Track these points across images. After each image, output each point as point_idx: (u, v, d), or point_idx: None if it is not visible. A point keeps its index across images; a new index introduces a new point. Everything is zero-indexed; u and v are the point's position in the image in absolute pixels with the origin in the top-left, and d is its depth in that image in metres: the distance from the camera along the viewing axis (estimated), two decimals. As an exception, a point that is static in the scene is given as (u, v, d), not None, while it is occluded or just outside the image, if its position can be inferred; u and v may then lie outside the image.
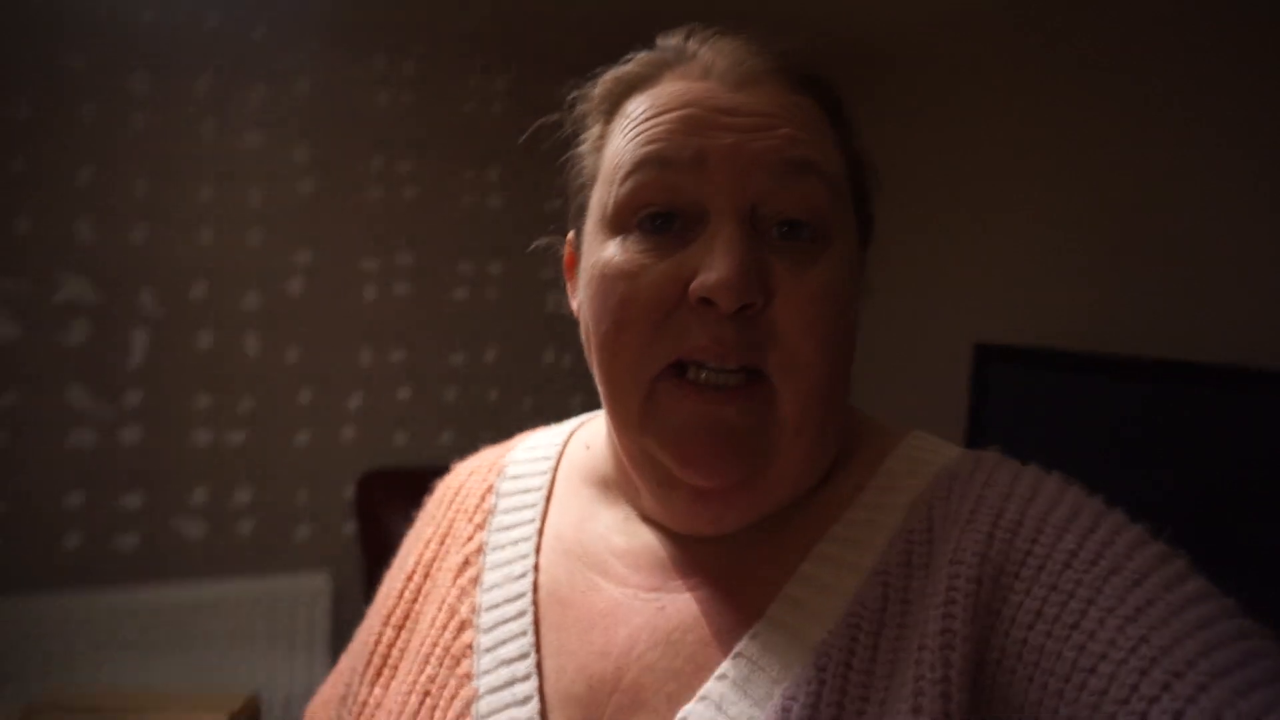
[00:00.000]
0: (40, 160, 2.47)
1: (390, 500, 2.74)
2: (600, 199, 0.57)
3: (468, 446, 2.85)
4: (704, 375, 0.51)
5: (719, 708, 0.49)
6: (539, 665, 0.56)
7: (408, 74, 2.92)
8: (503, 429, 3.01)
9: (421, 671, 0.59)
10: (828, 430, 0.56)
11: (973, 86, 2.63)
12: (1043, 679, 0.43)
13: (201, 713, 1.92)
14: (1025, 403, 2.20)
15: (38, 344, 2.50)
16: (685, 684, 0.51)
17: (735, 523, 0.56)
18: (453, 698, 0.56)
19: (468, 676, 0.57)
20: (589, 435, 0.70)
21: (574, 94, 0.63)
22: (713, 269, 0.50)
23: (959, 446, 0.59)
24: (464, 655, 0.58)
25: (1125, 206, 2.20)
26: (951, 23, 2.57)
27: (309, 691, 2.75)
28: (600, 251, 0.55)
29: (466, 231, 3.04)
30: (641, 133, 0.54)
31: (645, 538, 0.60)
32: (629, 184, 0.54)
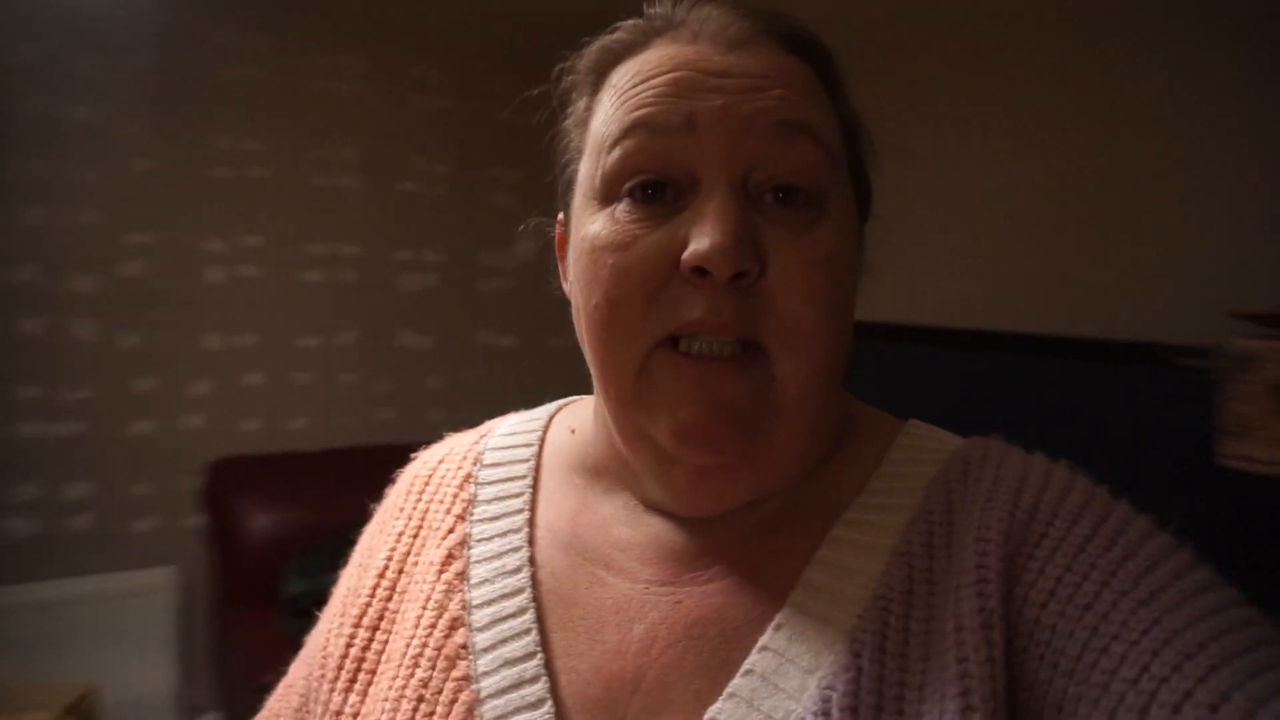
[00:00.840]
0: None
1: (242, 489, 2.67)
2: (588, 171, 0.55)
3: (322, 431, 2.79)
4: (697, 346, 0.49)
5: (750, 704, 0.47)
6: (548, 665, 0.53)
7: (257, 48, 2.82)
8: (358, 413, 2.95)
9: (411, 675, 0.55)
10: (828, 404, 0.55)
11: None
12: (1054, 658, 0.43)
13: (36, 708, 1.84)
14: (883, 377, 2.33)
15: None
16: (712, 680, 0.49)
17: (739, 499, 0.55)
18: (451, 702, 0.52)
19: (465, 679, 0.53)
20: (572, 419, 0.67)
21: (560, 66, 0.59)
22: (704, 237, 0.48)
23: (958, 436, 0.58)
24: (459, 656, 0.54)
25: (979, 184, 2.38)
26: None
27: (156, 689, 2.66)
28: (589, 225, 0.53)
29: (318, 212, 2.97)
30: (629, 99, 0.52)
31: (651, 528, 0.57)
32: (617, 151, 0.52)
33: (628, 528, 0.58)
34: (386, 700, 0.54)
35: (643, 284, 0.50)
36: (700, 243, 0.48)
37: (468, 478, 0.64)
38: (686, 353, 0.49)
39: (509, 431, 0.68)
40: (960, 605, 0.46)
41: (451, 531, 0.61)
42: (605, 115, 0.54)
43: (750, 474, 0.53)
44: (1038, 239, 2.26)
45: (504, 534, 0.60)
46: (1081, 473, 0.53)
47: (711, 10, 0.55)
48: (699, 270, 0.48)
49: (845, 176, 0.55)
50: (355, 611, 0.61)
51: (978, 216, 2.38)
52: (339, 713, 0.57)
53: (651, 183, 0.51)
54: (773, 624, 0.50)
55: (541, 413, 0.69)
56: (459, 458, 0.66)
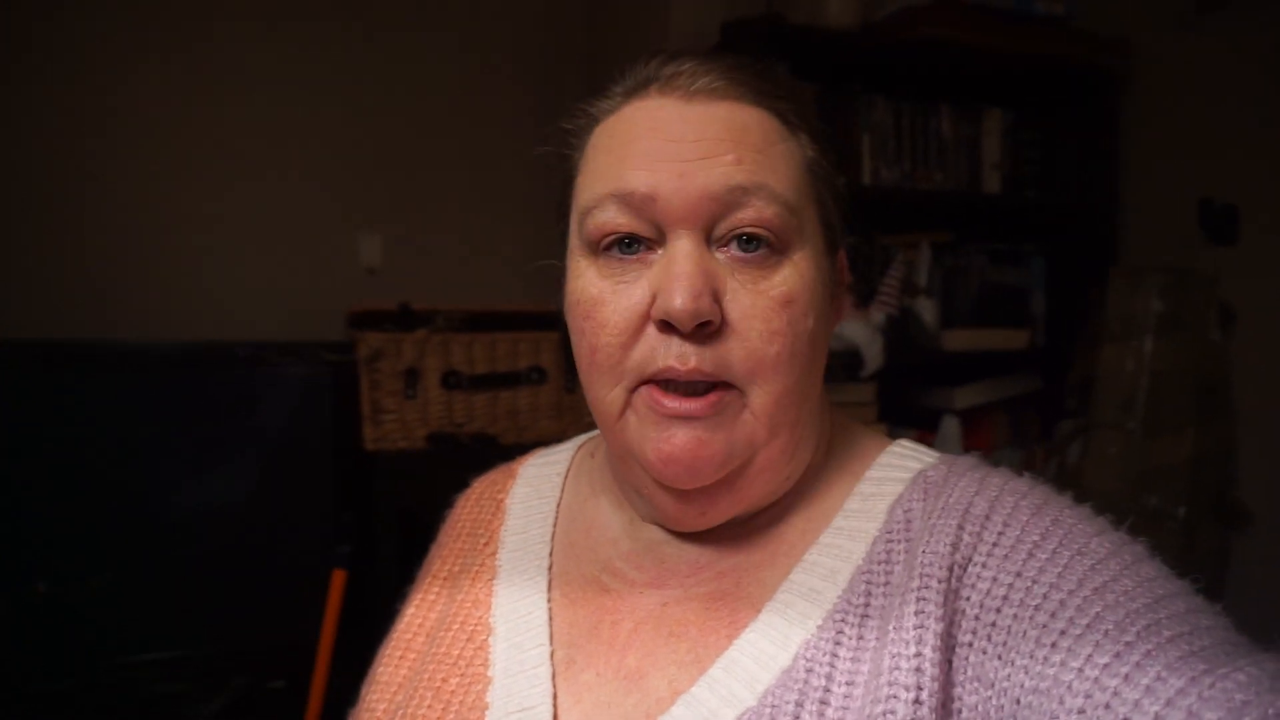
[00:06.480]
0: None
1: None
2: (573, 229, 0.62)
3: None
4: (673, 388, 0.56)
5: (712, 690, 0.54)
6: (551, 655, 0.62)
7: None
8: None
9: (441, 662, 0.65)
10: (802, 429, 0.61)
11: None
12: (1010, 656, 0.48)
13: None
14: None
15: None
16: (685, 671, 0.57)
17: (721, 516, 0.61)
18: (471, 683, 0.62)
19: (484, 665, 0.63)
20: (593, 446, 0.77)
21: (561, 124, 0.66)
22: (669, 294, 0.54)
23: (937, 452, 0.64)
24: (481, 646, 0.64)
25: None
26: None
27: None
28: (575, 279, 0.60)
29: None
30: (601, 169, 0.59)
31: (648, 540, 0.65)
32: (592, 219, 0.58)
33: (629, 538, 0.66)
34: (420, 675, 0.65)
35: (619, 335, 0.57)
36: (666, 300, 0.55)
37: (504, 498, 0.77)
38: (664, 392, 0.57)
39: (541, 460, 0.80)
40: (903, 610, 0.52)
41: (488, 544, 0.73)
42: (585, 180, 0.61)
43: (728, 497, 0.60)
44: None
45: (529, 545, 0.71)
46: (1043, 482, 0.58)
47: (679, 65, 0.60)
48: (666, 323, 0.55)
49: (809, 215, 0.60)
50: (417, 616, 0.72)
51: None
52: (386, 683, 0.68)
53: (626, 238, 0.58)
54: (747, 629, 0.57)
55: (572, 442, 0.81)
56: (502, 481, 0.79)
